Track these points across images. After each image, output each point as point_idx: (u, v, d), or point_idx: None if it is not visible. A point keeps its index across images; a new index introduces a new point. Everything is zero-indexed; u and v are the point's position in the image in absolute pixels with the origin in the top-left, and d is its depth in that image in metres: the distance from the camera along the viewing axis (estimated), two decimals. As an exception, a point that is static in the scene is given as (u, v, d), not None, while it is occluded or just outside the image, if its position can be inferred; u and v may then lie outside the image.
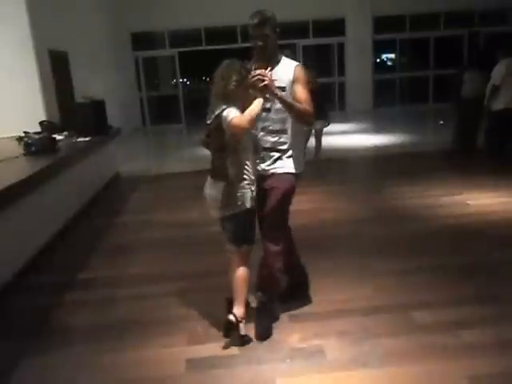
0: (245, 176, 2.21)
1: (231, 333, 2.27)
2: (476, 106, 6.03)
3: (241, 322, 2.27)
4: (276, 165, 2.32)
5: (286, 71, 2.27)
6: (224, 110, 2.12)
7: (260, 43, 2.23)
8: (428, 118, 11.82)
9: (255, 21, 2.21)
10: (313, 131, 5.97)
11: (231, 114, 2.10)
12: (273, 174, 2.32)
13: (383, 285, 2.81)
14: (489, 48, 10.87)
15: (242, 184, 2.21)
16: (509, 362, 2.05)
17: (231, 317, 2.25)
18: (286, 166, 2.32)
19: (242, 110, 2.15)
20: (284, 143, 2.31)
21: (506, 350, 2.13)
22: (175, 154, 8.95)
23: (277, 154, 2.31)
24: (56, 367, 2.23)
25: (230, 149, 2.19)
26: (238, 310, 2.28)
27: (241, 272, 2.31)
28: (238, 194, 2.20)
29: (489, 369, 2.00)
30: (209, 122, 2.20)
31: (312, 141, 6.11)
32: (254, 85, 2.13)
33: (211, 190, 2.28)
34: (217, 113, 2.14)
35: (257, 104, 2.13)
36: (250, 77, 2.13)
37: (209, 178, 2.30)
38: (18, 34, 5.67)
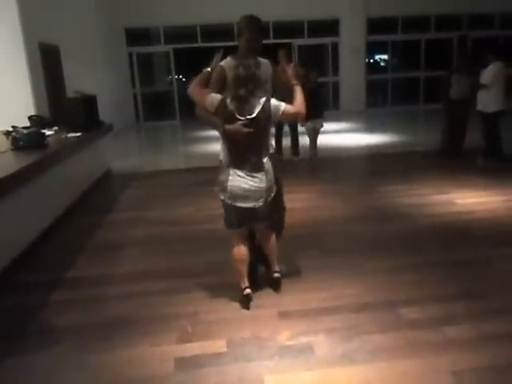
0: None
1: (280, 287, 2.73)
2: (464, 108, 6.10)
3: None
4: None
5: (265, 67, 2.63)
6: (266, 101, 2.42)
7: (254, 46, 2.56)
8: (418, 119, 11.93)
9: (255, 27, 2.58)
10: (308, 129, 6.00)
11: (281, 103, 2.45)
12: None
13: (372, 282, 2.83)
14: (476, 51, 11.02)
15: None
16: (492, 356, 2.08)
17: (277, 274, 2.74)
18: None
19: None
20: None
21: (488, 345, 2.17)
22: (168, 150, 8.92)
23: None
24: (43, 367, 2.20)
25: (266, 138, 2.52)
26: (279, 266, 2.76)
27: (274, 240, 2.73)
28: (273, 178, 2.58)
29: (472, 364, 2.04)
30: (253, 115, 2.38)
31: (306, 140, 6.13)
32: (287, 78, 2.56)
33: (253, 182, 2.46)
34: (260, 106, 2.39)
35: (301, 92, 2.51)
36: (290, 71, 2.55)
37: (241, 173, 2.45)
38: (7, 25, 5.58)
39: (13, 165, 3.48)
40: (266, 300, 2.68)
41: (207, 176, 5.86)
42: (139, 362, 2.18)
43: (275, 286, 2.74)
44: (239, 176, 2.44)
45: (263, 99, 2.41)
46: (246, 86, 2.35)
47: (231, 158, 2.48)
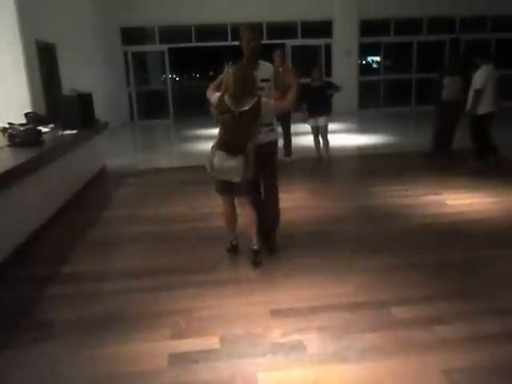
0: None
1: (258, 258, 3.11)
2: (455, 110, 6.19)
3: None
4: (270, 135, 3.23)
5: (267, 69, 3.16)
6: (259, 98, 2.91)
7: (254, 45, 3.01)
8: (410, 120, 12.05)
9: (251, 27, 3.03)
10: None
11: (270, 101, 2.99)
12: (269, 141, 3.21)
13: (364, 281, 2.88)
14: (468, 54, 11.17)
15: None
16: (482, 356, 2.12)
17: (254, 247, 3.13)
18: (273, 135, 3.25)
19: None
20: (271, 123, 3.21)
21: (479, 345, 2.20)
22: (162, 149, 8.93)
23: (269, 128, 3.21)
24: (36, 361, 2.21)
25: (255, 128, 2.98)
26: (258, 241, 3.16)
27: (253, 215, 3.15)
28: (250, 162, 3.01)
29: (462, 363, 2.07)
30: (246, 108, 2.87)
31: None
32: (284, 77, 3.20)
33: (230, 161, 2.95)
34: (252, 102, 2.87)
35: (293, 92, 3.03)
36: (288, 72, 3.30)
37: (223, 154, 2.97)
38: (4, 22, 5.57)
39: (9, 161, 3.48)
40: (258, 297, 2.71)
41: (200, 174, 5.90)
42: (133, 358, 2.19)
43: (253, 257, 3.13)
44: (222, 156, 2.96)
45: (255, 98, 2.88)
46: (240, 86, 2.84)
47: (219, 141, 3.00)
